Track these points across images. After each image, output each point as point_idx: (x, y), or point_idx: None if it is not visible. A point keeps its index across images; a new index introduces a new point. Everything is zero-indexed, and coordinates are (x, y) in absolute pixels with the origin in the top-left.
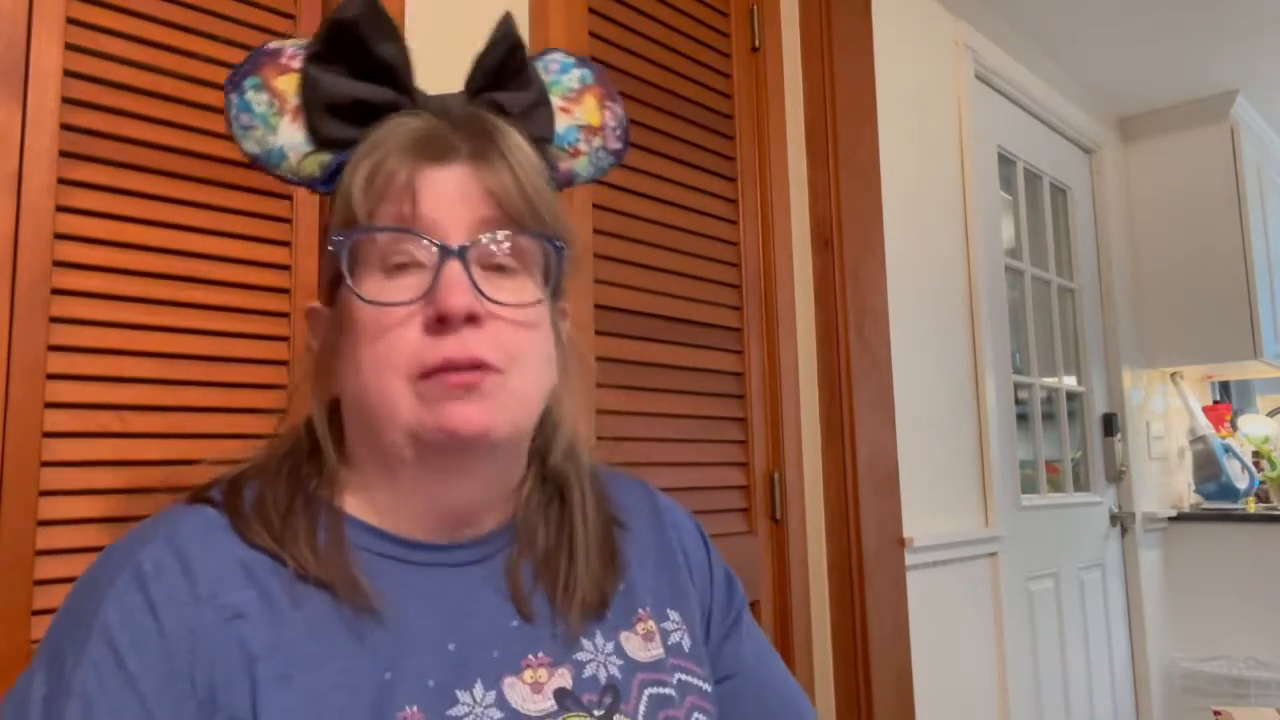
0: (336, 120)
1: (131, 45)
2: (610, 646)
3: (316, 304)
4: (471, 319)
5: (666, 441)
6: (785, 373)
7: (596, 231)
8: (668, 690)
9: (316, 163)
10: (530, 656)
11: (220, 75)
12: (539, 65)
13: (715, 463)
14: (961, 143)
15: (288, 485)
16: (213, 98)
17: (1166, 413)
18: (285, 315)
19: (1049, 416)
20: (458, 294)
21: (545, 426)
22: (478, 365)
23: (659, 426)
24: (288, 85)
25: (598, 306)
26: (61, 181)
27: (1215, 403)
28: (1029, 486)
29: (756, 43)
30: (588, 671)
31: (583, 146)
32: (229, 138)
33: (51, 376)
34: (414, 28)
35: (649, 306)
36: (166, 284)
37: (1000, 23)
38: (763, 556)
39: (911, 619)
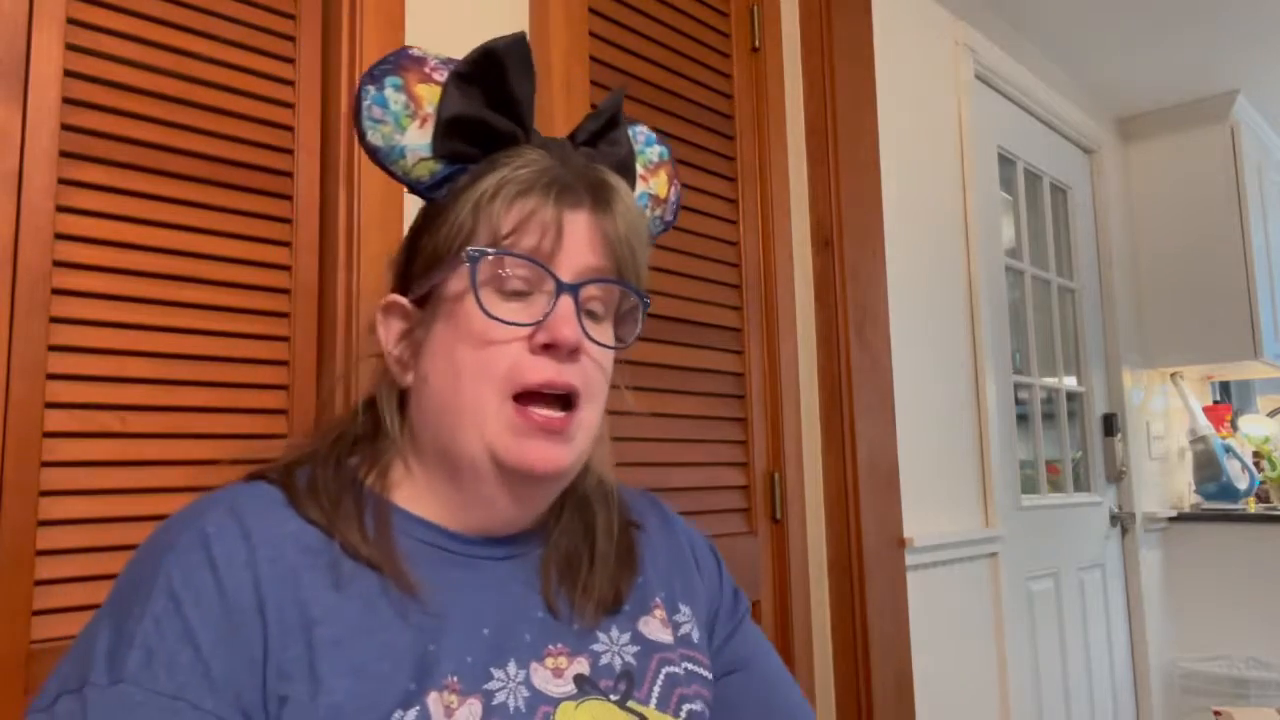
0: (460, 138)
1: (131, 45)
2: (626, 637)
3: (398, 298)
4: (573, 352)
5: (666, 441)
6: (785, 373)
7: None
8: (680, 670)
9: (428, 169)
10: (550, 646)
11: (220, 75)
12: (629, 131)
13: (715, 463)
14: (961, 143)
15: (336, 471)
16: (213, 98)
17: (1167, 413)
18: (285, 315)
19: (1049, 416)
20: (571, 327)
21: None
22: (568, 394)
23: (659, 426)
24: (427, 94)
25: None
26: (61, 181)
27: (1215, 403)
28: (1029, 486)
29: (756, 43)
30: (604, 660)
31: (648, 212)
32: (358, 130)
33: (52, 376)
34: (413, 26)
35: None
36: (166, 284)
37: (1000, 23)
38: (763, 556)
39: (911, 619)
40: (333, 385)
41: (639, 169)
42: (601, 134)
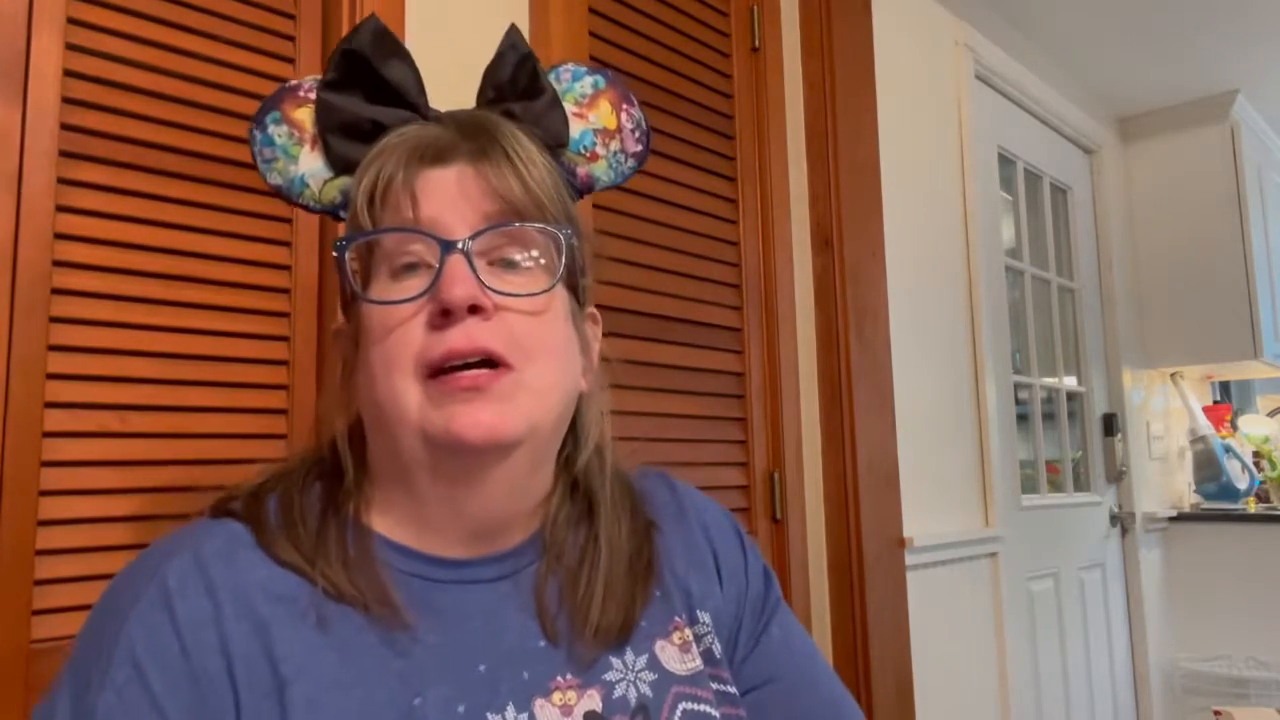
0: (352, 142)
1: (131, 45)
2: (642, 661)
3: (340, 322)
4: (475, 310)
5: (666, 441)
6: (785, 373)
7: (596, 231)
8: (704, 707)
9: (336, 188)
10: (559, 678)
11: (220, 75)
12: (550, 76)
13: (715, 463)
14: (961, 143)
15: (319, 497)
16: (213, 98)
17: (1167, 413)
18: (285, 315)
19: (1049, 416)
20: (459, 285)
21: (574, 437)
22: (485, 357)
23: (659, 426)
24: (305, 115)
25: (598, 306)
26: (61, 181)
27: (1215, 403)
28: (1029, 486)
29: (756, 43)
30: (617, 692)
31: (600, 150)
32: (263, 179)
33: (51, 376)
34: (414, 41)
35: (649, 306)
36: (167, 284)
37: (1000, 23)
38: (763, 556)
39: (911, 619)
40: (324, 411)
41: (570, 107)
42: (511, 87)
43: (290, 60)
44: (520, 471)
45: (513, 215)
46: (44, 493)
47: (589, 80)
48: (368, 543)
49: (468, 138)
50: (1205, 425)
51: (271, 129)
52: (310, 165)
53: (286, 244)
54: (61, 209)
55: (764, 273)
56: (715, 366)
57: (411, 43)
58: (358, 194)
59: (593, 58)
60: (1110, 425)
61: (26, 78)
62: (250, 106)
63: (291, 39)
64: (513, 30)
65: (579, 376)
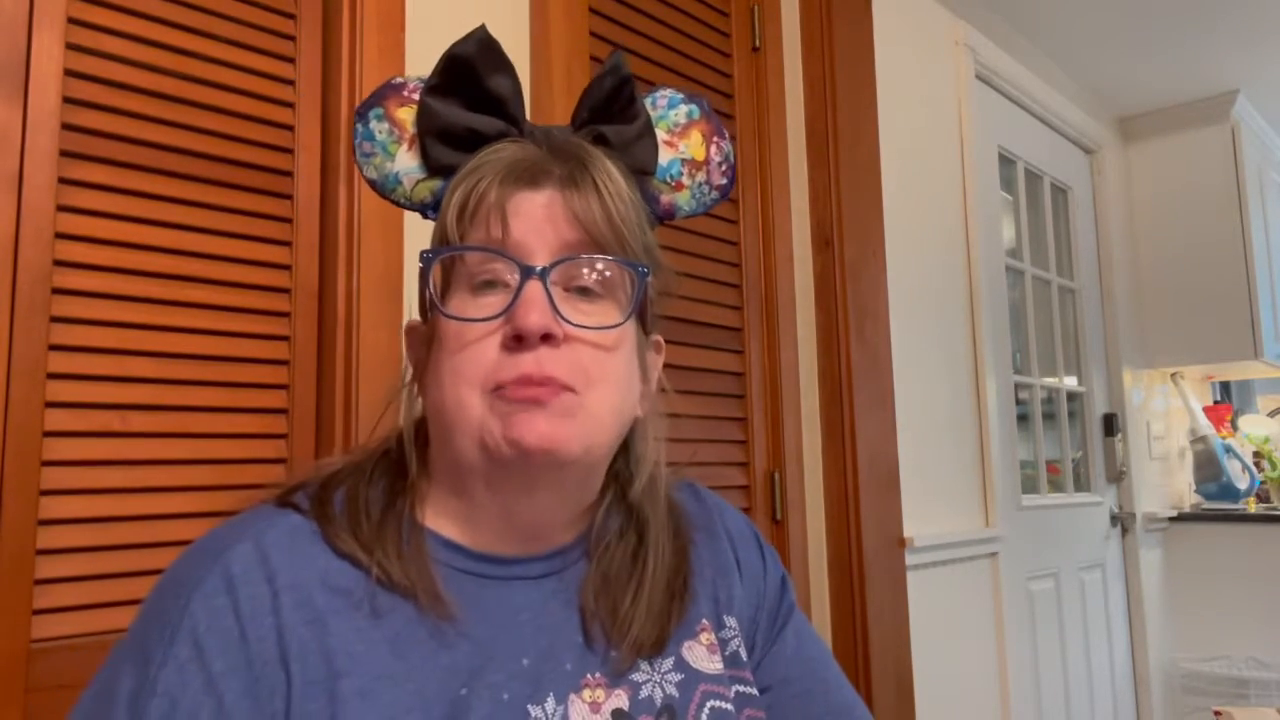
0: (448, 148)
1: (131, 45)
2: (669, 663)
3: (415, 321)
4: (547, 339)
5: (666, 441)
6: (785, 373)
7: None
8: (728, 705)
9: (428, 189)
10: (589, 676)
11: (220, 75)
12: (647, 101)
13: (715, 463)
14: (961, 143)
15: (382, 491)
16: (213, 97)
17: (1167, 413)
18: (285, 315)
19: (1049, 416)
20: (535, 313)
21: (628, 458)
22: (552, 383)
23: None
24: (407, 115)
25: None
26: (62, 181)
27: (1216, 403)
28: (1029, 486)
29: (757, 43)
30: (644, 693)
31: (685, 180)
32: (359, 170)
33: (52, 376)
34: (413, 41)
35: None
36: (167, 284)
37: (1000, 23)
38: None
39: (911, 619)
40: (386, 404)
41: (662, 135)
42: (606, 109)
43: (290, 60)
44: (571, 485)
45: (593, 246)
46: (44, 492)
47: (684, 109)
48: (420, 538)
49: (560, 162)
50: (1205, 425)
51: (374, 124)
52: (405, 164)
53: (287, 244)
54: (62, 209)
55: (764, 273)
56: (715, 366)
57: (411, 42)
58: (449, 206)
59: (593, 58)
60: (1110, 425)
61: (27, 78)
62: (251, 106)
63: (292, 39)
64: (616, 55)
65: (636, 403)
